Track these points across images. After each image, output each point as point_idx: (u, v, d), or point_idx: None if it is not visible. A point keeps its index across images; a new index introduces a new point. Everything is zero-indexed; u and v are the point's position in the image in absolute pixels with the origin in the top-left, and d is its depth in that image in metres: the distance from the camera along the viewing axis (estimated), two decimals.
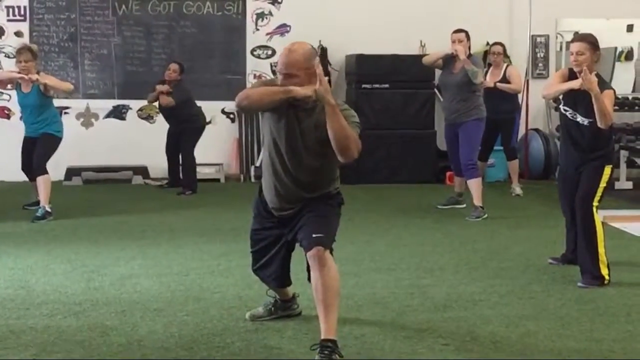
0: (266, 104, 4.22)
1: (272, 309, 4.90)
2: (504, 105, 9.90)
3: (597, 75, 5.82)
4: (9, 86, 9.09)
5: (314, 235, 4.24)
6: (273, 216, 4.49)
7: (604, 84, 5.87)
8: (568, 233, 6.29)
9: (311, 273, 4.23)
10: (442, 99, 9.00)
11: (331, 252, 4.31)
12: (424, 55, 11.56)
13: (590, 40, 5.90)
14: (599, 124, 5.77)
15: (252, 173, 11.37)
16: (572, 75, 5.93)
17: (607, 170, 5.93)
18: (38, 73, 8.46)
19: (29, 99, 8.48)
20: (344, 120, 4.15)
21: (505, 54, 10.34)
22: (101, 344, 4.51)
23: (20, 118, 8.94)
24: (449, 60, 8.80)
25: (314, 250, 4.19)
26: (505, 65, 10.15)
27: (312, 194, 4.38)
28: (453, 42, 8.74)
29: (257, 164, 10.65)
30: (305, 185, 4.36)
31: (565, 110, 5.96)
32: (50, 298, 5.42)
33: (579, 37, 6.16)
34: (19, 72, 8.39)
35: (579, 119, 5.89)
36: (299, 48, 4.26)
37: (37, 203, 8.57)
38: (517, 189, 10.24)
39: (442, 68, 8.98)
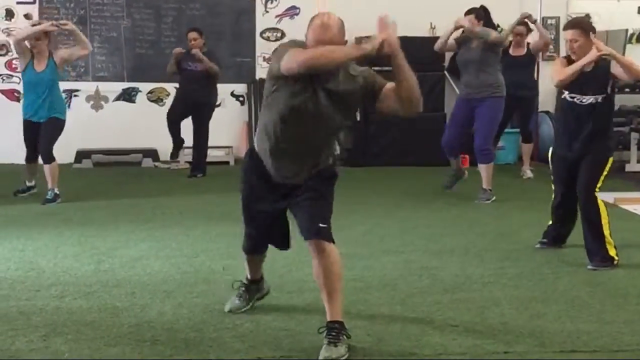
0: (339, 62, 4.03)
1: (247, 296, 4.80)
2: (525, 81, 9.86)
3: (601, 58, 5.83)
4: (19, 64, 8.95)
5: (314, 226, 4.13)
6: (270, 183, 4.31)
7: (606, 62, 5.85)
8: (557, 208, 6.24)
9: (313, 261, 4.17)
10: (461, 76, 8.87)
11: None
12: (434, 37, 11.55)
13: (582, 26, 5.85)
14: (629, 78, 5.83)
15: None
16: (571, 62, 5.89)
17: (610, 161, 5.92)
18: (51, 53, 8.43)
19: (44, 76, 8.36)
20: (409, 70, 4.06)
21: (528, 31, 10.15)
22: (111, 325, 4.52)
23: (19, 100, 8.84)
24: (465, 39, 8.73)
25: (314, 241, 4.13)
26: (527, 42, 10.10)
27: (319, 163, 4.24)
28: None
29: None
30: (316, 153, 4.23)
31: (572, 97, 5.89)
32: (60, 280, 5.44)
33: (570, 23, 6.03)
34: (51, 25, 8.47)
35: (591, 99, 5.82)
36: (334, 23, 4.08)
37: (29, 189, 8.69)
38: (528, 172, 10.22)
39: (458, 48, 8.89)
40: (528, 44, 10.14)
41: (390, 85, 4.17)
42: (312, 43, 4.07)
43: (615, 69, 5.80)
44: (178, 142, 10.45)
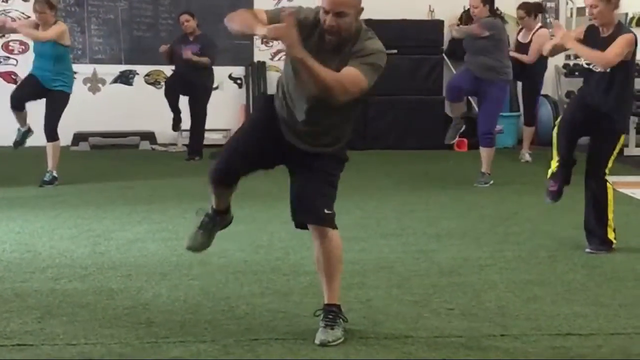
0: (234, 32, 3.90)
1: (211, 226, 4.45)
2: (529, 65, 9.81)
3: (618, 23, 5.77)
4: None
5: (320, 212, 4.00)
6: (278, 134, 4.07)
7: (621, 29, 5.75)
8: (562, 168, 6.01)
9: (314, 242, 4.10)
10: (466, 57, 8.84)
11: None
12: (433, 20, 11.54)
13: None
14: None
15: None
16: (589, 32, 5.82)
17: (622, 139, 5.84)
18: (55, 23, 8.35)
19: (45, 48, 8.29)
20: (314, 66, 3.67)
21: (534, 15, 10.06)
22: (106, 307, 4.51)
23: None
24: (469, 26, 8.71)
25: (318, 227, 4.05)
26: (538, 27, 9.99)
27: (329, 142, 4.08)
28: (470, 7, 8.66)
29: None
30: (322, 127, 4.04)
31: (587, 64, 5.82)
32: (56, 262, 5.43)
33: None
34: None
35: (599, 68, 5.76)
36: None
37: (26, 134, 8.60)
38: (527, 156, 10.20)
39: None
40: (539, 28, 10.01)
41: (349, 68, 3.84)
42: (325, 4, 3.83)
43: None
44: (177, 116, 10.43)
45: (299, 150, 4.08)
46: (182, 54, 10.00)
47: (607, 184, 5.81)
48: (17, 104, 8.50)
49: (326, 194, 4.08)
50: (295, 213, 4.13)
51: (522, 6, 10.01)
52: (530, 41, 9.85)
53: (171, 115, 10.41)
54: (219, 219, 4.49)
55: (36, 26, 8.36)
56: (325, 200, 4.06)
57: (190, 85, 10.12)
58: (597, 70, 5.75)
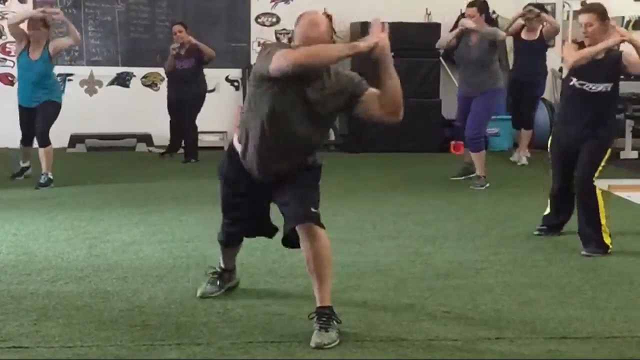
0: (331, 61, 4.04)
1: (219, 282, 4.78)
2: (535, 66, 9.82)
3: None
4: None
5: (306, 211, 4.13)
6: (250, 179, 4.29)
7: (612, 50, 5.88)
8: (556, 197, 6.23)
9: (301, 244, 4.16)
10: (459, 71, 8.88)
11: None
12: (430, 23, 11.54)
13: (598, 11, 5.85)
14: None
15: None
16: (582, 48, 5.88)
17: (609, 151, 5.94)
18: (47, 42, 8.41)
19: (38, 67, 8.36)
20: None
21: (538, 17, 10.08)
22: (102, 309, 4.51)
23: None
24: (463, 34, 8.69)
25: (304, 226, 4.13)
26: (541, 27, 10.01)
27: (302, 162, 4.25)
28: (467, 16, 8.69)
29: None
30: (298, 153, 4.22)
31: (581, 84, 5.86)
32: (52, 264, 5.42)
33: (586, 7, 6.08)
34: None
35: (601, 87, 5.80)
36: (322, 21, 4.14)
37: (24, 170, 8.73)
38: (524, 159, 10.18)
39: (457, 45, 8.83)
40: (542, 29, 10.03)
41: (372, 90, 4.17)
42: (300, 40, 4.08)
43: (629, 59, 5.82)
44: (173, 139, 10.56)
45: (276, 177, 4.25)
46: (179, 57, 10.07)
47: (596, 188, 5.85)
48: (28, 141, 8.71)
49: (311, 196, 4.22)
50: (287, 222, 4.24)
51: (527, 8, 10.02)
52: (535, 40, 9.87)
53: (169, 116, 10.49)
54: (227, 276, 4.83)
55: (27, 42, 8.38)
56: (311, 201, 4.19)
57: (183, 100, 10.20)
58: (592, 91, 5.81)
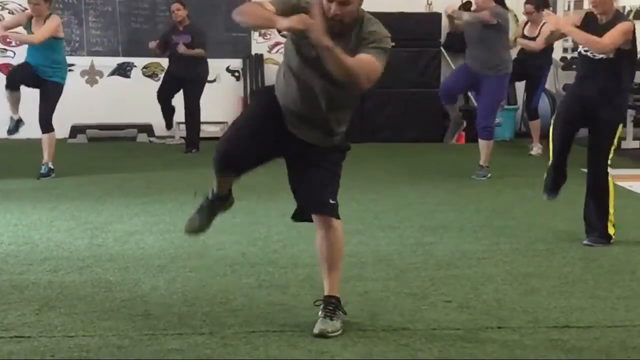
0: (251, 26, 3.90)
1: (210, 210, 4.40)
2: (533, 59, 9.80)
3: (617, 12, 5.81)
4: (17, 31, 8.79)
5: (325, 202, 4.04)
6: (282, 126, 4.06)
7: (620, 17, 5.80)
8: (555, 174, 6.04)
9: (317, 232, 4.12)
10: (467, 49, 8.82)
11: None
12: (431, 13, 11.52)
13: None
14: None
15: None
16: (588, 19, 5.82)
17: (619, 128, 5.84)
18: (49, 16, 8.32)
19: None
20: (340, 55, 3.71)
21: (542, 10, 10.00)
22: (104, 299, 4.51)
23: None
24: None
25: (324, 216, 4.08)
26: (543, 21, 9.98)
27: (328, 134, 4.08)
28: None
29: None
30: (324, 118, 4.04)
31: (586, 50, 5.79)
32: (54, 254, 5.43)
33: None
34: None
35: (602, 54, 5.76)
36: None
37: (18, 123, 8.57)
38: (535, 149, 10.13)
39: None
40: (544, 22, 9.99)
41: (363, 55, 3.85)
42: None
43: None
44: (169, 117, 10.50)
45: (302, 142, 4.08)
46: (176, 45, 10.03)
47: (609, 176, 5.81)
48: (12, 83, 8.42)
49: (331, 185, 4.12)
50: (303, 205, 4.17)
51: (530, 1, 9.99)
52: (538, 35, 9.84)
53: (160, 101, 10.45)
54: (219, 203, 4.44)
55: (29, 18, 8.34)
56: (331, 191, 4.10)
57: (183, 79, 10.11)
58: (596, 57, 5.75)
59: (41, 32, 8.17)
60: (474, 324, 4.20)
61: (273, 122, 4.08)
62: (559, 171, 6.00)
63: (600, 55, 5.70)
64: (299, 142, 4.08)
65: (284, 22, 3.72)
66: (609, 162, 5.78)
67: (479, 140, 8.63)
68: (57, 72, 8.35)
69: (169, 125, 10.60)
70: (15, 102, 8.54)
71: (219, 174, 4.30)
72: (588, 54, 5.77)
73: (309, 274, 4.89)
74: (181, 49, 9.96)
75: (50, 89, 8.31)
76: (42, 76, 8.27)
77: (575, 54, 5.88)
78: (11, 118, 8.58)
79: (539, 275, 5.07)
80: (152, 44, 10.24)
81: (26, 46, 8.53)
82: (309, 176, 4.09)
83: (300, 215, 4.22)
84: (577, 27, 5.82)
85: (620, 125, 5.84)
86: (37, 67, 8.29)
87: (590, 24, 5.76)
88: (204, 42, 10.16)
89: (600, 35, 5.66)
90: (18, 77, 8.41)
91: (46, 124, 8.33)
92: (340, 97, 4.04)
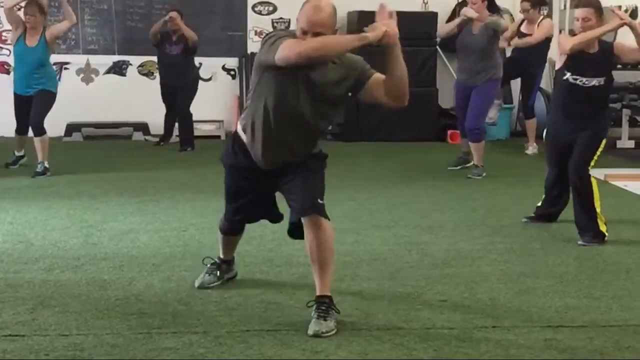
0: (340, 53, 4.01)
1: (218, 273, 4.74)
2: (528, 57, 9.81)
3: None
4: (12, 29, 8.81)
5: (312, 202, 4.11)
6: (255, 169, 4.27)
7: (605, 43, 5.93)
8: (551, 188, 6.25)
9: (305, 233, 4.14)
10: (459, 58, 8.86)
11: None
12: (427, 12, 11.51)
13: (596, 5, 5.84)
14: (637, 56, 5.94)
15: None
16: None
17: (604, 142, 5.94)
18: (44, 29, 8.39)
19: (35, 54, 8.34)
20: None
21: (538, 8, 10.03)
22: (99, 298, 4.51)
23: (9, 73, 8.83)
24: (466, 22, 8.64)
25: (311, 217, 4.11)
26: (541, 18, 9.99)
27: (307, 150, 4.25)
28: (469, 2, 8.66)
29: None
30: (303, 140, 4.21)
31: (575, 79, 5.84)
32: (49, 253, 5.42)
33: (584, 1, 6.02)
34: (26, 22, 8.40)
35: (594, 81, 5.81)
36: (326, 6, 4.05)
37: (19, 159, 8.78)
38: (530, 149, 10.15)
39: (459, 31, 8.77)
40: (542, 19, 9.99)
41: (379, 76, 4.13)
42: (303, 24, 4.02)
43: (622, 48, 5.85)
44: (168, 127, 10.63)
45: (282, 165, 4.22)
46: (168, 55, 10.16)
47: (590, 177, 5.86)
48: (22, 129, 8.69)
49: (317, 186, 4.19)
50: (292, 208, 4.22)
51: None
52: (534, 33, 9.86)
53: (165, 108, 10.52)
54: (225, 267, 4.79)
55: (23, 29, 8.36)
56: (317, 192, 4.17)
57: (175, 87, 10.21)
58: (586, 85, 5.82)
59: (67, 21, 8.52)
60: (468, 323, 4.20)
61: (247, 170, 4.31)
62: (553, 193, 6.17)
63: (592, 83, 5.80)
64: (280, 167, 4.24)
65: (374, 34, 3.95)
66: (590, 165, 5.87)
67: (470, 143, 8.63)
68: (48, 82, 8.45)
69: (166, 137, 10.64)
70: (22, 143, 8.82)
71: (227, 234, 4.72)
72: (577, 82, 5.83)
73: (304, 272, 4.89)
74: (173, 14, 10.08)
75: (42, 96, 8.40)
76: (33, 94, 8.37)
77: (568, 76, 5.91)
78: (14, 153, 8.86)
79: (534, 274, 5.08)
80: (156, 27, 10.23)
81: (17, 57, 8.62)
82: (295, 182, 4.19)
83: (295, 232, 4.29)
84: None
85: (604, 141, 5.95)
86: (27, 86, 8.40)
87: (579, 52, 5.83)
88: (196, 48, 10.20)
89: (589, 66, 5.82)
90: (25, 120, 8.52)
91: (38, 129, 8.39)
92: (329, 114, 4.23)
